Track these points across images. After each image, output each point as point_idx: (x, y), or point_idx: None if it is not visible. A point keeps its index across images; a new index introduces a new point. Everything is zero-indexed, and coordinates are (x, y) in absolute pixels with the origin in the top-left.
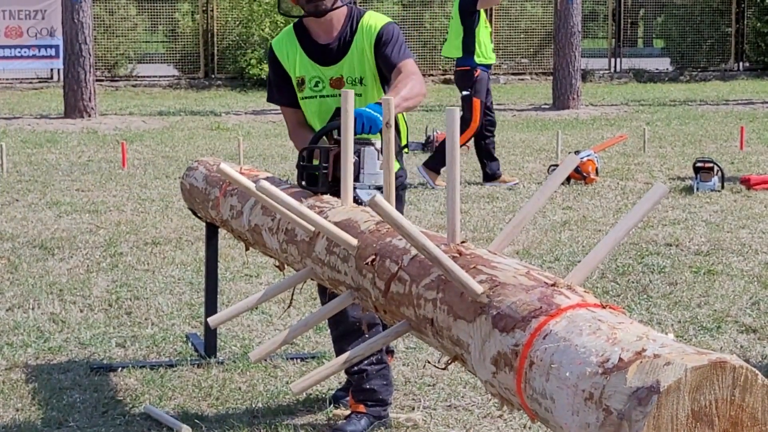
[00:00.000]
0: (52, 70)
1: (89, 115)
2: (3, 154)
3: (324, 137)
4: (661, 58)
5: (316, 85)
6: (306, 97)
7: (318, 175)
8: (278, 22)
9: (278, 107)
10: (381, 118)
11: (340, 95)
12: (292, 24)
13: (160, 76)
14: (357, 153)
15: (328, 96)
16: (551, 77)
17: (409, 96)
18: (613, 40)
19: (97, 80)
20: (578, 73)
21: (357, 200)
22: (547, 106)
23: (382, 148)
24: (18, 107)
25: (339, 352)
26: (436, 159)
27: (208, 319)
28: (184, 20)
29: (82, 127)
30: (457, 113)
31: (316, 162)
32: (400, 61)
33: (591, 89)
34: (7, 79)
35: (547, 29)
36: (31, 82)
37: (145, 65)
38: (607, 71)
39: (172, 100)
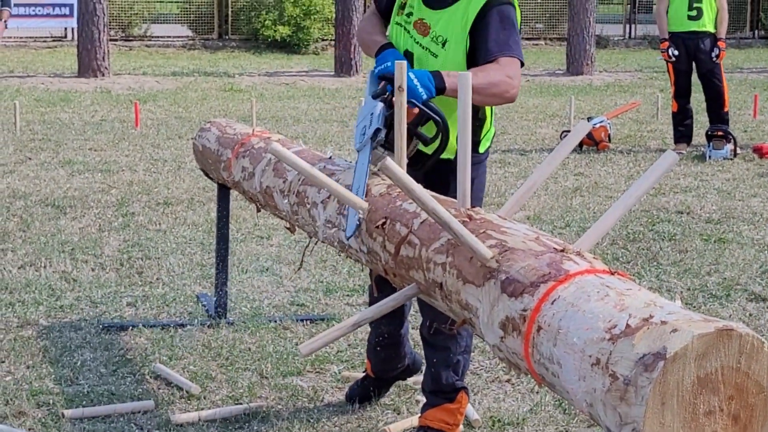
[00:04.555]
0: (66, 29)
1: (103, 75)
2: (16, 113)
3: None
4: None
5: (408, 16)
6: (397, 23)
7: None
8: None
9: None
10: (423, 94)
11: (415, 40)
12: None
13: (174, 37)
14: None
15: (411, 36)
16: (565, 43)
17: (480, 88)
18: (629, 6)
19: (110, 40)
20: (593, 39)
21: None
22: (560, 72)
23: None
24: (32, 66)
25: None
26: None
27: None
28: None
29: (95, 86)
30: (470, 78)
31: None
32: (502, 54)
33: (605, 55)
34: (21, 38)
35: None
36: (45, 41)
37: (159, 25)
38: (621, 38)
39: (186, 60)
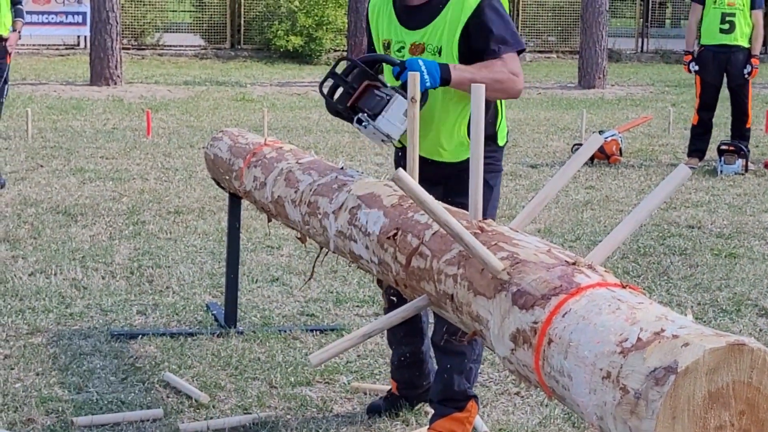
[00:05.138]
0: (78, 37)
1: (115, 83)
2: (28, 120)
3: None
4: None
5: (399, 51)
6: None
7: (343, 91)
8: None
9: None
10: (427, 81)
11: None
12: None
13: (187, 46)
14: (389, 96)
15: None
16: (578, 56)
17: (485, 82)
18: (641, 20)
19: (123, 48)
20: (605, 53)
21: (358, 122)
22: (572, 85)
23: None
24: (44, 73)
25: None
26: None
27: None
28: None
29: (107, 94)
30: (483, 90)
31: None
32: (500, 53)
33: (617, 69)
34: (34, 45)
35: (575, 7)
36: (57, 49)
37: (172, 34)
38: (634, 51)
39: (198, 69)
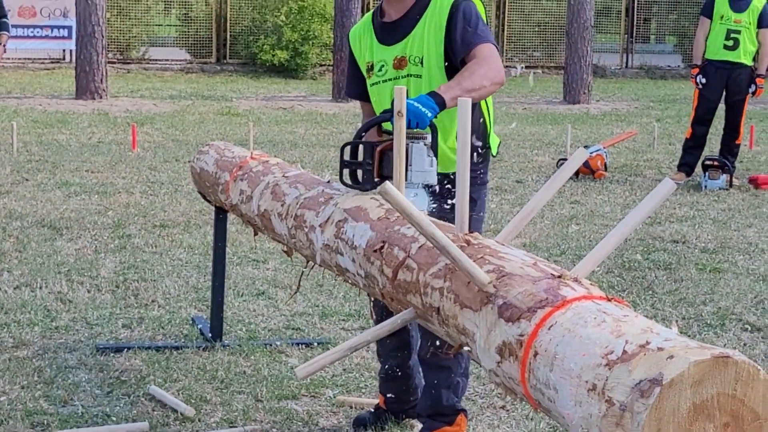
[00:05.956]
0: (64, 50)
1: (100, 97)
2: (14, 134)
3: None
4: (673, 55)
5: (380, 70)
6: (373, 84)
7: (363, 172)
8: (292, 9)
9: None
10: (428, 114)
11: (401, 77)
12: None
13: (172, 60)
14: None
15: (390, 80)
16: (563, 71)
17: (473, 87)
18: (626, 36)
19: (109, 62)
20: (590, 68)
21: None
22: (557, 100)
23: (433, 144)
24: (30, 87)
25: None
26: None
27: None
28: (198, 4)
29: (93, 108)
30: (469, 104)
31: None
32: (475, 45)
33: (602, 84)
34: (19, 59)
35: (560, 23)
36: (43, 63)
37: (158, 48)
38: (619, 67)
39: (184, 84)
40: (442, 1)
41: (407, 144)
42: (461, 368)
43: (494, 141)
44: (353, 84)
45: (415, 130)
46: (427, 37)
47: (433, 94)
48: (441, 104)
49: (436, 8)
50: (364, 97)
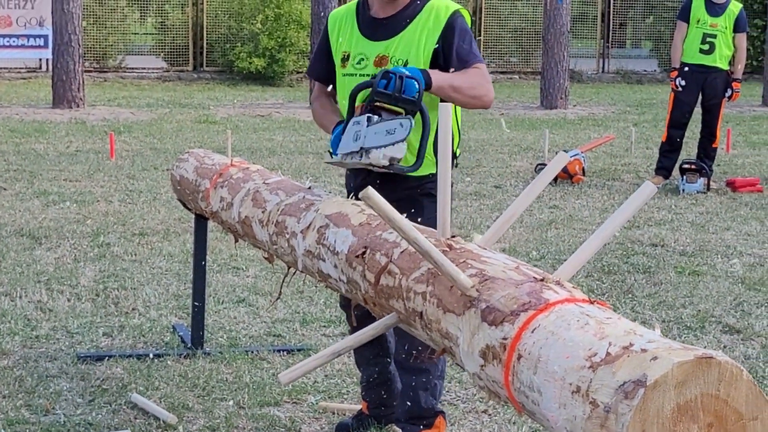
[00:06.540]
0: (40, 60)
1: (78, 106)
2: None
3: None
4: (649, 60)
5: (359, 63)
6: (347, 74)
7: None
8: (269, 17)
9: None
10: (417, 83)
11: None
12: None
13: (149, 69)
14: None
15: (368, 75)
16: (539, 77)
17: (461, 86)
18: (602, 41)
19: (85, 71)
20: (566, 73)
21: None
22: (534, 105)
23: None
24: (6, 97)
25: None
26: None
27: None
28: (174, 13)
29: (70, 117)
30: (450, 108)
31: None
32: (471, 64)
33: (579, 90)
34: None
35: (536, 29)
36: (19, 72)
37: (134, 57)
38: (595, 72)
39: (161, 92)
40: (438, 9)
41: (381, 114)
42: (438, 370)
43: (455, 142)
44: (318, 65)
45: (395, 106)
46: (417, 41)
47: (424, 72)
48: (428, 83)
49: (431, 15)
50: (325, 80)
